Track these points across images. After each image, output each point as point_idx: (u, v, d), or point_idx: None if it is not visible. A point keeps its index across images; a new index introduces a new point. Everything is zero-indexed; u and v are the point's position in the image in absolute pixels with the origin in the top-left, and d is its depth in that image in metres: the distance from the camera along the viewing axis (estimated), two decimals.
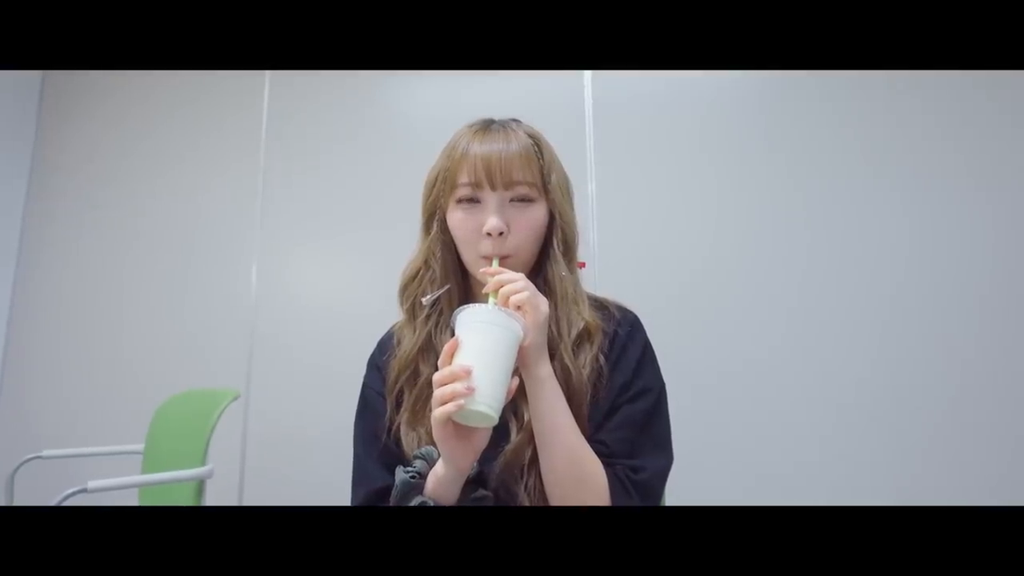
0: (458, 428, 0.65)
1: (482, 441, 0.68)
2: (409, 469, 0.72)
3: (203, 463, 1.53)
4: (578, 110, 2.01)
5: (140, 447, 1.82)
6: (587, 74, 2.03)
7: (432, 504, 0.68)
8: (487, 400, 0.63)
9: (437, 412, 0.63)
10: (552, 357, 0.75)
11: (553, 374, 0.73)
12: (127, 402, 2.33)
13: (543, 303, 0.71)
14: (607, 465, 0.73)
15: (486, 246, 0.75)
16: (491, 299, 0.70)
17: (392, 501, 0.71)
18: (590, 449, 0.73)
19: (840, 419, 1.67)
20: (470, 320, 0.67)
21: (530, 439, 0.74)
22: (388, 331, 0.88)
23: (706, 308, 1.81)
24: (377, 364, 0.85)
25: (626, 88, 1.99)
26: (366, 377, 0.87)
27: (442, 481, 0.69)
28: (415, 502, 0.69)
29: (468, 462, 0.68)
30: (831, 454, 1.67)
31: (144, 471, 1.77)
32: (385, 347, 0.86)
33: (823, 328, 1.72)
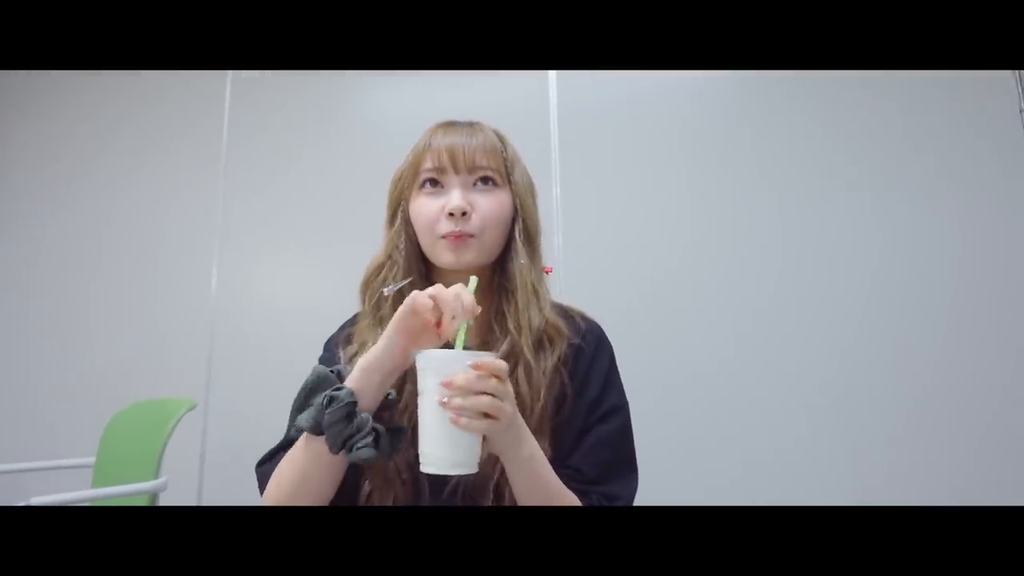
0: (417, 325, 0.66)
1: (430, 340, 0.67)
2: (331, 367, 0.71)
3: (156, 476, 1.47)
4: (543, 113, 2.01)
5: (91, 460, 1.75)
6: (552, 77, 2.03)
7: (346, 392, 0.65)
8: (463, 464, 0.63)
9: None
10: (516, 359, 0.73)
11: (537, 448, 0.69)
12: (79, 412, 2.23)
13: (509, 402, 0.64)
14: (582, 495, 0.72)
15: (447, 225, 0.74)
16: (460, 334, 0.66)
17: (301, 392, 0.68)
18: (570, 494, 0.71)
19: (807, 420, 1.70)
20: (432, 372, 0.63)
21: (495, 463, 0.71)
22: (351, 317, 0.87)
23: (672, 310, 1.82)
24: (333, 344, 0.84)
25: (591, 91, 1.99)
26: (320, 357, 0.86)
27: (371, 364, 0.67)
28: (322, 395, 0.65)
29: (404, 355, 0.67)
30: (797, 455, 1.69)
31: (95, 485, 1.70)
32: (345, 328, 0.85)
33: (791, 330, 1.75)
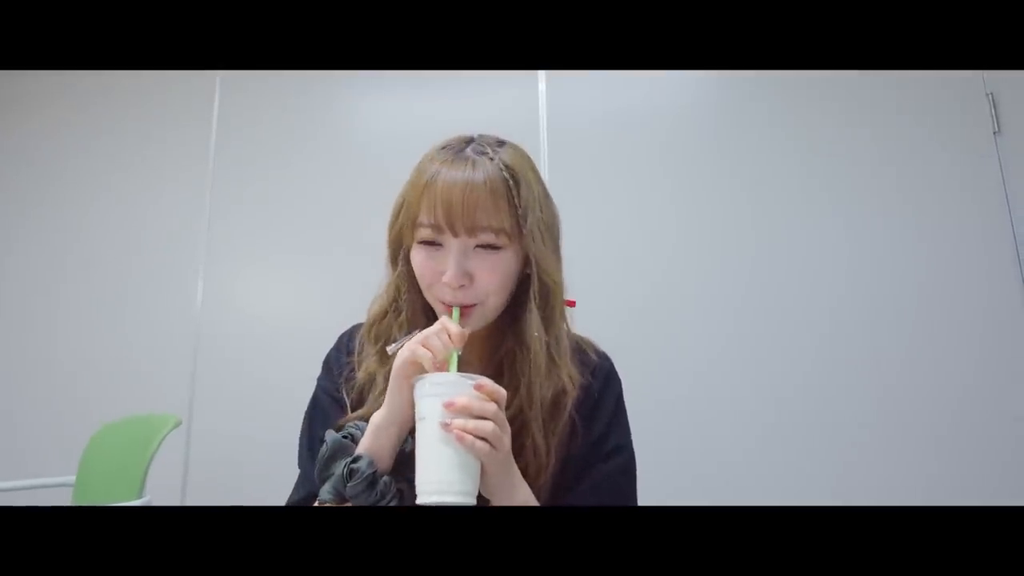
0: (416, 371, 0.64)
1: None
2: (344, 431, 0.70)
3: (140, 495, 1.45)
4: (532, 126, 2.03)
5: (71, 479, 1.72)
6: (542, 89, 2.05)
7: (365, 462, 0.64)
8: (466, 492, 0.61)
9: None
10: (522, 429, 0.70)
11: (532, 497, 0.68)
12: (59, 429, 2.19)
13: (507, 434, 0.62)
14: None
15: (447, 294, 0.70)
16: (452, 361, 0.65)
17: (318, 463, 0.67)
18: None
19: (792, 424, 1.73)
20: (433, 396, 0.62)
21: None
22: (349, 329, 0.84)
23: (661, 320, 1.85)
24: (332, 365, 0.81)
25: (580, 104, 2.02)
26: (320, 378, 0.82)
27: (384, 421, 0.66)
28: (342, 464, 0.65)
29: (409, 412, 0.66)
30: (773, 458, 1.72)
31: (75, 504, 1.66)
32: (343, 347, 0.82)
33: (779, 337, 1.78)
